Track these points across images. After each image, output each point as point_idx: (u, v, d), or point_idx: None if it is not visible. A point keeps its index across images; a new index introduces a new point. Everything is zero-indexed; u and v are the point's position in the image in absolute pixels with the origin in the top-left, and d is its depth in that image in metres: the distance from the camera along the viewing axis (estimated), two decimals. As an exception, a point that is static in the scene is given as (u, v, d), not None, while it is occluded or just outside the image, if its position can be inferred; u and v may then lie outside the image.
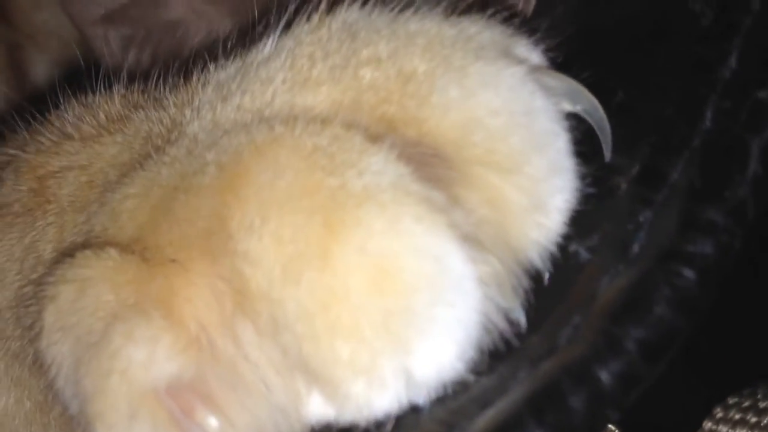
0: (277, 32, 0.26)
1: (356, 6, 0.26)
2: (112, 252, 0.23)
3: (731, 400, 0.35)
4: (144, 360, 0.21)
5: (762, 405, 0.33)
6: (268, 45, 0.26)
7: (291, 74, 0.24)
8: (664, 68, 0.26)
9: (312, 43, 0.25)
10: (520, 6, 0.34)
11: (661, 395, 0.32)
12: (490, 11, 0.25)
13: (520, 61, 0.24)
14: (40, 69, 0.57)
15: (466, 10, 0.26)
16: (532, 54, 0.25)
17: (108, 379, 0.21)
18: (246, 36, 0.30)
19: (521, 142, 0.22)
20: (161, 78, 0.30)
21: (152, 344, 0.21)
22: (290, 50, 0.25)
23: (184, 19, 0.40)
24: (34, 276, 0.27)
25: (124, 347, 0.21)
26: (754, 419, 0.33)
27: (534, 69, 0.24)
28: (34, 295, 0.25)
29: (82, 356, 0.22)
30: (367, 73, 0.24)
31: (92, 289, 0.23)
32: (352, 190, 0.21)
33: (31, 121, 0.32)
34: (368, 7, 0.25)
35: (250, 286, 0.21)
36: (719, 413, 0.34)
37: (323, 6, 0.26)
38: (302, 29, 0.25)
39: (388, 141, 0.22)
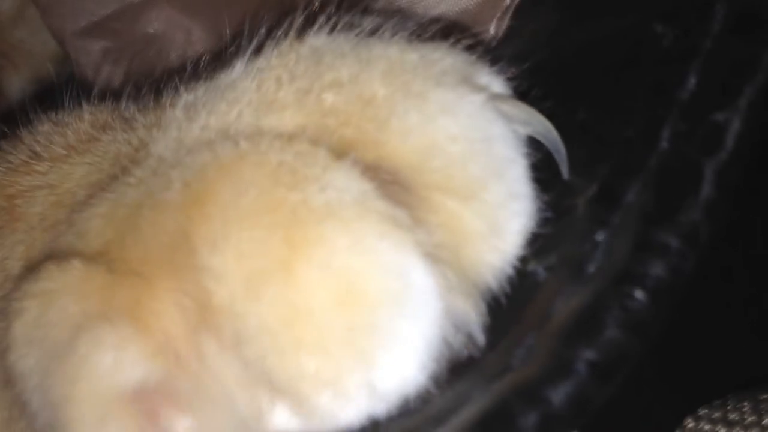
0: (247, 55, 0.26)
1: (324, 31, 0.26)
2: (76, 263, 0.24)
3: (702, 411, 0.35)
4: (111, 365, 0.22)
5: (731, 416, 0.34)
6: (237, 67, 0.26)
7: (257, 96, 0.25)
8: (628, 90, 0.26)
9: (279, 67, 0.25)
10: (492, 30, 0.34)
11: (632, 406, 0.32)
12: (454, 38, 0.26)
13: (481, 89, 0.24)
14: (15, 87, 0.57)
15: (431, 37, 0.26)
16: (494, 81, 0.25)
17: (76, 385, 0.22)
18: (219, 55, 0.31)
19: (479, 169, 0.23)
20: (131, 97, 0.31)
21: (119, 350, 0.22)
22: (258, 72, 0.25)
23: (163, 32, 0.40)
24: (1, 293, 0.27)
25: (92, 354, 0.22)
26: (723, 430, 0.34)
27: (493, 96, 0.24)
28: (1, 311, 0.25)
29: (50, 366, 0.23)
30: (329, 97, 0.24)
31: (57, 301, 0.23)
32: (314, 206, 0.22)
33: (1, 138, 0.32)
34: (336, 32, 0.26)
35: (213, 300, 0.22)
36: (690, 423, 0.35)
37: (293, 31, 0.26)
38: (272, 53, 0.26)
39: (350, 158, 0.23)
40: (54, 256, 0.25)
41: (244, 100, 0.25)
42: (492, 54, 0.27)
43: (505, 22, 0.34)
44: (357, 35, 0.26)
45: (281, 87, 0.25)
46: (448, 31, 0.27)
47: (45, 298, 0.23)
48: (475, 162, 0.23)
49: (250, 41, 0.30)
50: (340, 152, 0.23)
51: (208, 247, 0.22)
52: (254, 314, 0.21)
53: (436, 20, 0.31)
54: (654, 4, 0.28)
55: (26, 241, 0.27)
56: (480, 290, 0.23)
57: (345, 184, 0.22)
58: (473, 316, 0.23)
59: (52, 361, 0.22)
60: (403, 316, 0.21)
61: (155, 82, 0.31)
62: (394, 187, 0.23)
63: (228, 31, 0.38)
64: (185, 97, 0.27)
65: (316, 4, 0.35)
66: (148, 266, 0.23)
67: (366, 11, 0.33)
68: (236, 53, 0.30)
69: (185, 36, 0.40)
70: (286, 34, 0.27)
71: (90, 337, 0.22)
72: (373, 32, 0.26)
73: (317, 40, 0.26)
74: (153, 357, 0.22)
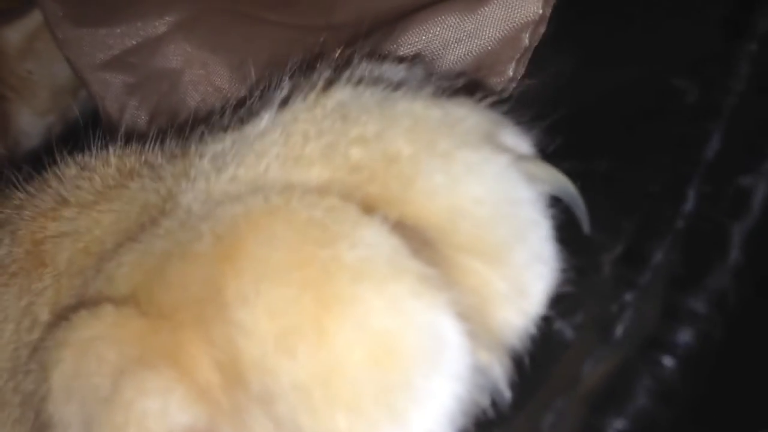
0: (275, 106, 0.27)
1: (350, 85, 0.26)
2: (109, 308, 0.24)
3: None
4: (159, 411, 0.22)
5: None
6: (264, 119, 0.26)
7: (285, 150, 0.25)
8: (650, 143, 0.26)
9: (306, 121, 0.25)
10: (510, 72, 0.34)
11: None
12: (478, 95, 0.26)
13: (505, 149, 0.25)
14: (25, 120, 0.57)
15: (456, 93, 0.26)
16: (518, 141, 0.26)
17: (125, 431, 0.22)
18: (243, 100, 0.31)
19: (505, 232, 0.23)
20: (156, 141, 0.31)
21: (165, 395, 0.22)
22: (285, 126, 0.26)
23: (182, 67, 0.40)
24: (31, 338, 0.27)
25: (137, 399, 0.22)
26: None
27: (518, 157, 0.24)
28: (32, 359, 0.26)
29: (94, 413, 0.23)
30: (355, 153, 0.24)
31: (94, 348, 0.23)
32: (345, 263, 0.22)
33: (27, 179, 0.33)
34: (361, 86, 0.26)
35: (244, 355, 0.22)
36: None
37: (320, 84, 0.26)
38: (298, 106, 0.26)
39: (379, 215, 0.23)
40: (85, 303, 0.25)
41: (271, 154, 0.25)
42: (512, 108, 0.27)
43: (523, 64, 0.35)
44: (383, 89, 0.26)
45: (308, 142, 0.25)
46: (472, 87, 0.27)
47: (81, 346, 0.23)
48: (501, 225, 0.23)
49: (274, 86, 0.30)
50: (366, 209, 0.23)
51: (239, 302, 0.22)
52: (286, 371, 0.21)
53: (460, 74, 0.31)
54: (674, 56, 0.28)
55: (53, 286, 0.28)
56: (505, 349, 0.23)
57: (376, 240, 0.22)
58: (500, 374, 0.23)
59: (96, 408, 0.23)
60: (436, 374, 0.21)
61: (180, 126, 0.31)
62: (420, 246, 0.23)
63: (247, 68, 0.39)
64: (212, 147, 0.27)
65: (339, 50, 0.35)
66: (179, 315, 0.23)
67: (387, 56, 0.33)
68: (261, 99, 0.30)
69: (204, 71, 0.40)
70: (312, 85, 0.27)
71: (134, 383, 0.22)
72: (398, 86, 0.27)
73: (343, 93, 0.26)
74: (197, 402, 0.22)
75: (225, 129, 0.28)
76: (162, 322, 0.23)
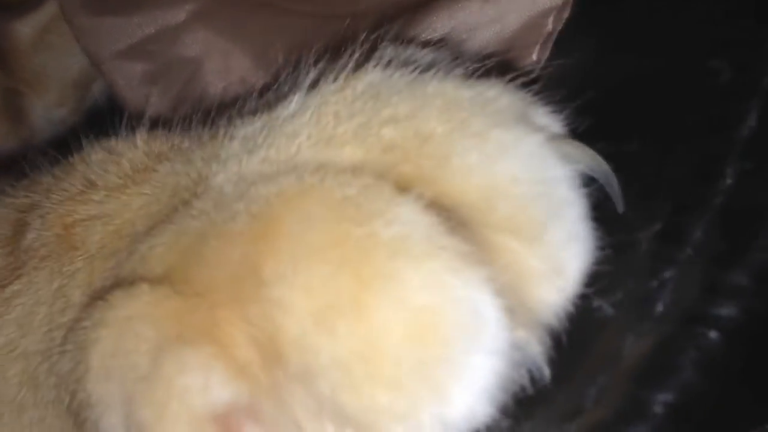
0: (303, 88, 0.27)
1: (380, 67, 0.26)
2: (144, 287, 0.24)
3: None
4: (200, 387, 0.22)
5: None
6: (293, 101, 0.26)
7: (316, 131, 0.25)
8: (682, 124, 0.26)
9: (337, 102, 0.25)
10: (535, 56, 0.34)
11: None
12: (509, 75, 0.26)
13: (538, 128, 0.25)
14: (38, 113, 0.57)
15: (486, 73, 0.26)
16: (550, 120, 0.26)
17: (167, 407, 0.22)
18: (269, 85, 0.31)
19: (540, 211, 0.23)
20: (184, 125, 0.31)
21: (206, 371, 0.22)
22: (316, 108, 0.26)
23: (201, 55, 0.40)
24: (64, 320, 0.27)
25: (178, 376, 0.22)
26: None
27: (551, 137, 0.24)
28: (67, 340, 0.26)
29: (134, 390, 0.23)
30: (387, 133, 0.24)
31: (131, 327, 0.23)
32: (381, 240, 0.22)
33: (52, 164, 0.33)
34: (391, 68, 0.26)
35: (282, 333, 0.22)
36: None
37: (350, 66, 0.26)
38: (328, 88, 0.26)
39: (413, 194, 0.23)
40: (119, 283, 0.25)
41: (303, 135, 0.25)
42: (543, 89, 0.27)
43: (548, 48, 0.35)
44: (412, 71, 0.26)
45: (340, 122, 0.25)
46: (503, 67, 0.27)
47: (119, 325, 0.23)
48: (536, 204, 0.23)
49: (300, 70, 0.30)
50: (400, 188, 0.23)
51: (277, 280, 0.22)
52: (325, 348, 0.21)
53: (487, 56, 0.31)
54: (706, 38, 0.28)
55: (85, 269, 0.27)
56: (543, 326, 0.24)
57: (411, 218, 0.22)
58: (538, 351, 0.23)
59: (136, 386, 0.23)
60: (475, 350, 0.21)
61: (205, 111, 0.31)
62: (455, 224, 0.23)
63: (269, 56, 0.39)
64: (242, 129, 0.27)
65: (363, 35, 0.35)
66: (215, 294, 0.23)
67: (412, 40, 0.33)
68: (288, 84, 0.30)
69: (224, 59, 0.40)
70: (341, 68, 0.27)
71: (174, 360, 0.22)
72: (427, 68, 0.27)
73: (374, 75, 0.26)
74: (237, 379, 0.22)
75: (253, 113, 0.28)
76: (198, 300, 0.23)
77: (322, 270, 0.22)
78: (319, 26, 0.39)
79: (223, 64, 0.40)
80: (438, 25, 0.35)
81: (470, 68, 0.27)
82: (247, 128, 0.27)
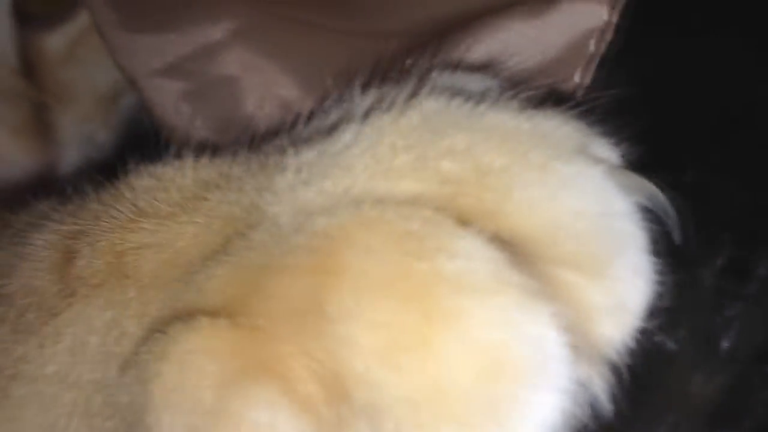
0: (357, 118, 0.26)
1: (434, 96, 0.26)
2: (204, 320, 0.24)
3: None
4: (268, 423, 0.22)
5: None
6: (348, 131, 0.26)
7: (372, 162, 0.25)
8: (739, 153, 0.26)
9: (393, 133, 0.25)
10: (577, 78, 0.34)
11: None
12: (566, 105, 0.26)
13: (599, 160, 0.24)
14: (66, 127, 0.57)
15: (542, 103, 0.26)
16: (608, 151, 0.25)
17: None
18: (315, 107, 0.31)
19: (603, 245, 0.23)
20: (230, 151, 0.31)
21: (272, 407, 0.22)
22: (372, 139, 0.26)
23: (240, 74, 0.40)
24: (118, 350, 0.27)
25: (246, 412, 0.22)
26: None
27: (612, 169, 0.24)
28: (125, 371, 0.26)
29: (198, 425, 0.23)
30: (445, 165, 0.24)
31: (193, 361, 0.23)
32: (445, 276, 0.22)
33: (96, 187, 0.33)
34: (446, 98, 0.26)
35: (347, 369, 0.22)
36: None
37: (403, 94, 0.26)
38: (383, 118, 0.26)
39: (475, 227, 0.23)
40: (177, 315, 0.25)
41: (359, 166, 0.25)
42: (598, 119, 0.27)
43: (591, 71, 0.34)
44: (466, 100, 0.26)
45: (396, 154, 0.25)
46: (559, 97, 0.27)
47: (180, 359, 0.24)
48: (600, 238, 0.23)
49: (348, 96, 0.30)
50: (460, 221, 0.23)
51: (340, 316, 0.22)
52: (391, 385, 0.22)
53: (535, 81, 0.31)
54: (760, 62, 0.28)
55: (139, 298, 0.27)
56: (605, 362, 0.23)
57: (475, 253, 0.22)
58: (600, 388, 0.23)
59: (201, 421, 0.23)
60: (542, 387, 0.21)
61: (252, 136, 0.31)
62: (517, 259, 0.23)
63: (308, 75, 0.39)
64: (295, 159, 0.27)
65: (407, 57, 0.35)
66: (275, 327, 0.23)
67: (458, 64, 0.33)
68: (337, 110, 0.30)
69: (263, 78, 0.40)
70: (394, 97, 0.27)
71: (241, 395, 0.22)
72: (479, 96, 0.27)
73: (428, 105, 0.26)
74: (303, 415, 0.22)
75: (304, 141, 0.28)
76: (259, 334, 0.23)
77: (387, 306, 0.22)
78: (358, 44, 0.39)
79: (262, 83, 0.40)
80: (478, 46, 0.35)
81: (522, 96, 0.27)
82: (301, 158, 0.27)
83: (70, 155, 0.58)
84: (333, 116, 0.29)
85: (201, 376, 0.23)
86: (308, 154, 0.27)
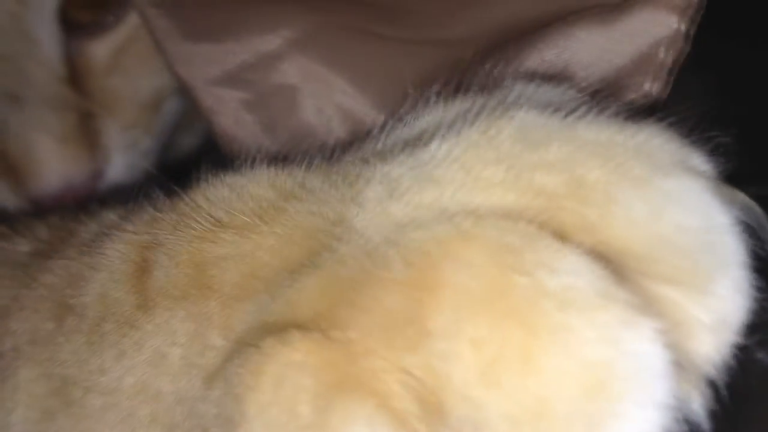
0: (443, 129, 0.26)
1: (524, 109, 0.26)
2: (296, 334, 0.24)
3: None
4: None
5: None
6: (436, 143, 0.26)
7: (463, 175, 0.25)
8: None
9: (484, 146, 0.25)
10: (647, 87, 0.34)
11: None
12: (658, 116, 0.25)
13: (698, 173, 0.24)
14: (111, 134, 0.57)
15: (634, 116, 0.26)
16: (705, 164, 0.25)
17: None
18: (390, 118, 0.31)
19: (707, 261, 0.23)
20: (303, 161, 0.31)
21: (371, 423, 0.22)
22: (462, 151, 0.25)
23: (300, 84, 0.40)
24: (202, 361, 0.27)
25: (344, 426, 0.22)
26: None
27: (711, 182, 0.24)
28: (212, 384, 0.26)
29: None
30: (540, 178, 0.24)
31: (288, 375, 0.23)
32: (548, 291, 0.22)
33: (168, 198, 0.33)
34: (535, 110, 0.26)
35: (446, 385, 0.22)
36: None
37: (489, 107, 0.26)
38: (472, 130, 0.26)
39: (573, 242, 0.23)
40: (268, 328, 0.25)
41: (449, 179, 0.25)
42: (684, 128, 0.26)
43: (661, 80, 0.34)
44: (554, 111, 0.26)
45: (488, 167, 0.25)
46: (651, 109, 0.26)
47: (274, 373, 0.23)
48: (702, 253, 0.23)
49: (423, 106, 0.30)
50: (557, 235, 0.23)
51: (439, 332, 0.22)
52: (492, 402, 0.21)
53: (602, 85, 0.31)
54: None
55: (222, 310, 0.27)
56: (705, 379, 0.23)
57: (577, 268, 0.22)
58: (700, 405, 0.23)
59: None
60: (646, 404, 0.21)
61: (325, 146, 0.31)
62: (618, 274, 0.23)
63: (371, 82, 0.39)
64: (380, 171, 0.27)
65: (478, 66, 0.35)
66: (369, 342, 0.23)
67: (535, 75, 0.33)
68: (416, 121, 0.30)
69: (323, 87, 0.40)
70: (479, 108, 0.27)
71: (340, 411, 0.22)
72: (567, 108, 0.26)
73: (519, 117, 0.26)
74: (399, 430, 0.22)
75: (386, 153, 0.28)
76: (352, 347, 0.23)
77: (487, 321, 0.22)
78: (419, 53, 0.39)
79: (322, 92, 0.40)
80: (547, 54, 0.35)
81: (607, 107, 0.27)
82: (387, 170, 0.27)
83: (115, 162, 0.59)
84: (414, 127, 0.29)
85: (297, 391, 0.23)
86: (394, 167, 0.27)
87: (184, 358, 0.27)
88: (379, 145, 0.30)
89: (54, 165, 0.55)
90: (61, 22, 0.55)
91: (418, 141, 0.27)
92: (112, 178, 0.58)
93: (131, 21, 0.56)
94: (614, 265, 0.23)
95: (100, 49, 0.58)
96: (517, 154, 0.25)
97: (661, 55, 0.34)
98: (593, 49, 0.35)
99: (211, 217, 0.29)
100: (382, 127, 0.31)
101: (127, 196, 0.36)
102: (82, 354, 0.30)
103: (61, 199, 0.55)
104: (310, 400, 0.23)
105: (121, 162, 0.58)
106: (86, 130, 0.56)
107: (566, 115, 0.26)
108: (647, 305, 0.22)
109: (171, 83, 0.59)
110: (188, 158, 0.64)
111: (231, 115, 0.41)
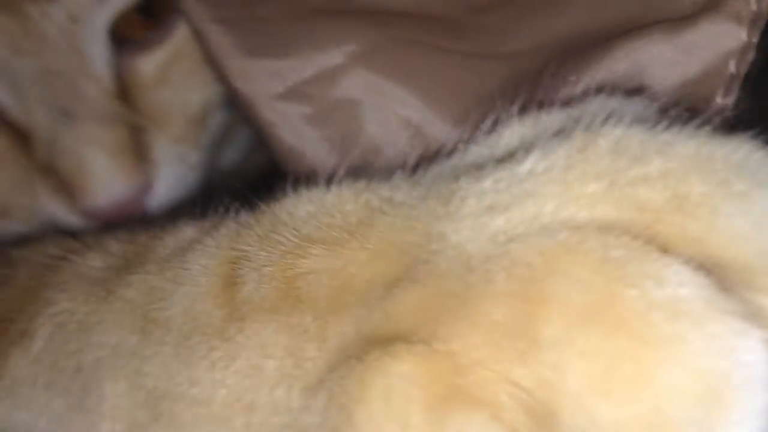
0: (539, 143, 0.27)
1: (619, 124, 0.26)
2: (402, 346, 0.25)
3: None
4: None
5: None
6: (529, 159, 0.27)
7: (562, 190, 0.25)
8: None
9: (582, 161, 0.26)
10: (719, 99, 0.34)
11: None
12: (755, 130, 0.26)
13: None
14: (160, 148, 0.58)
15: (729, 129, 0.26)
16: None
17: None
18: (471, 133, 0.31)
19: None
20: (382, 176, 0.31)
21: None
22: (559, 167, 0.26)
23: (363, 98, 0.40)
24: (299, 373, 0.28)
25: None
26: None
27: None
28: (314, 395, 0.26)
29: None
30: (641, 192, 0.25)
31: (398, 387, 0.24)
32: (656, 302, 0.22)
33: (249, 213, 0.33)
34: (630, 125, 0.26)
35: (558, 397, 0.22)
36: None
37: (583, 123, 0.27)
38: (568, 146, 0.26)
39: (676, 254, 0.23)
40: (370, 341, 0.25)
41: (547, 193, 0.26)
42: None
43: (732, 93, 0.35)
44: (648, 126, 0.26)
45: (588, 181, 0.25)
46: (749, 121, 0.27)
47: (384, 385, 0.24)
48: None
49: (506, 121, 0.30)
50: (660, 248, 0.24)
51: (549, 344, 0.23)
52: (606, 413, 0.22)
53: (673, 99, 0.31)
54: None
55: (317, 323, 0.28)
56: None
57: (683, 279, 0.22)
58: None
59: None
60: (758, 413, 0.22)
61: (404, 160, 0.32)
62: (723, 286, 0.23)
63: (438, 96, 0.39)
64: (473, 187, 0.27)
65: (556, 79, 0.35)
66: (474, 354, 0.24)
67: (610, 88, 0.33)
68: (501, 135, 0.30)
69: (387, 100, 0.40)
70: (574, 122, 0.27)
71: (452, 421, 0.23)
72: (657, 123, 0.27)
73: (616, 132, 0.26)
74: None
75: (474, 168, 0.28)
76: (457, 360, 0.24)
77: (598, 332, 0.22)
78: (483, 65, 0.39)
79: (386, 105, 0.40)
80: (617, 67, 0.35)
81: (693, 120, 0.27)
82: (480, 185, 0.27)
83: (165, 176, 0.59)
84: (499, 143, 0.30)
85: (407, 402, 0.23)
86: (490, 183, 0.27)
87: (279, 369, 0.28)
88: (463, 161, 0.30)
89: (106, 179, 0.55)
90: (111, 38, 0.56)
91: (510, 157, 0.27)
92: (161, 192, 0.58)
93: (179, 36, 0.57)
94: (717, 276, 0.23)
95: (148, 64, 0.58)
96: (618, 169, 0.25)
97: (732, 67, 0.34)
98: (662, 62, 0.35)
99: (299, 232, 0.30)
100: (461, 142, 0.31)
101: (183, 210, 0.36)
102: (171, 366, 0.30)
103: (112, 214, 0.55)
104: (422, 411, 0.23)
105: (170, 176, 0.59)
106: (136, 144, 0.57)
107: (659, 130, 0.26)
108: (754, 315, 0.22)
109: (217, 97, 0.59)
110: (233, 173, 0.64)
111: (293, 130, 0.41)
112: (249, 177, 0.66)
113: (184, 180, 0.59)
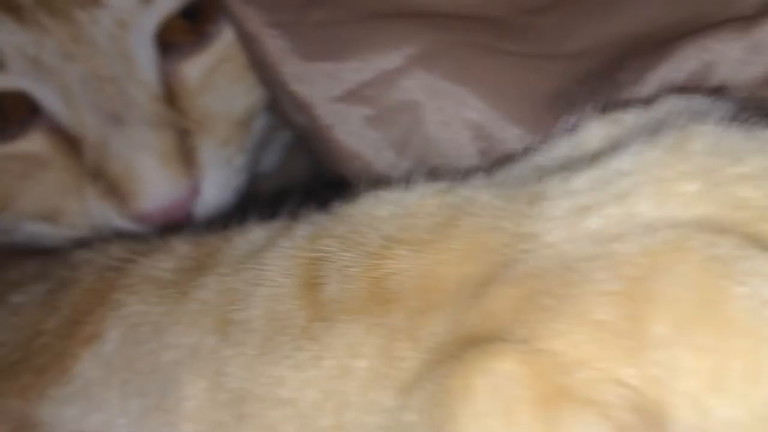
0: (624, 147, 0.27)
1: (706, 123, 0.27)
2: (501, 345, 0.25)
3: None
4: None
5: None
6: (619, 159, 0.27)
7: (657, 189, 0.26)
8: None
9: (676, 161, 0.26)
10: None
11: None
12: None
13: None
14: (207, 152, 0.58)
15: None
16: None
17: None
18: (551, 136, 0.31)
19: None
20: (459, 176, 0.31)
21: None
22: (652, 166, 0.26)
23: (424, 100, 0.41)
24: (393, 372, 0.28)
25: None
26: None
27: None
28: (410, 393, 0.26)
29: None
30: (741, 191, 0.25)
31: (502, 385, 0.24)
32: (767, 300, 0.22)
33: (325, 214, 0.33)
34: (716, 124, 0.26)
35: (672, 396, 0.23)
36: None
37: (668, 121, 0.27)
38: (656, 145, 0.26)
39: None
40: (465, 341, 0.26)
41: (644, 193, 0.26)
42: None
43: (801, 91, 0.35)
44: (743, 126, 0.26)
45: (683, 180, 0.26)
46: None
47: (488, 384, 0.24)
48: None
49: (585, 120, 0.30)
50: (764, 246, 0.24)
51: (661, 343, 0.23)
52: (721, 411, 0.22)
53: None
54: None
55: (407, 323, 0.28)
56: None
57: None
58: None
59: None
60: None
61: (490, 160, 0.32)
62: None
63: (502, 96, 0.39)
64: (563, 186, 0.28)
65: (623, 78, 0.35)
66: (578, 353, 0.24)
67: (696, 89, 0.33)
68: (582, 135, 0.30)
69: (448, 102, 0.40)
70: (657, 124, 0.27)
71: (564, 419, 0.23)
72: (742, 122, 0.27)
73: (710, 132, 0.26)
74: None
75: (559, 170, 0.29)
76: (560, 359, 0.24)
77: (710, 330, 0.22)
78: (545, 67, 0.39)
79: (447, 106, 0.40)
80: (685, 66, 0.36)
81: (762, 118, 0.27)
82: (571, 188, 0.27)
83: (211, 179, 0.60)
84: (579, 144, 0.30)
85: (513, 400, 0.24)
86: (579, 183, 0.27)
87: (371, 370, 0.28)
88: (543, 161, 0.31)
89: (155, 183, 0.56)
90: (158, 43, 0.56)
91: (597, 157, 0.28)
92: (208, 194, 0.59)
93: (224, 40, 0.57)
94: None
95: (194, 69, 0.59)
96: (712, 167, 0.25)
97: (799, 66, 0.35)
98: (729, 61, 0.35)
99: (382, 232, 0.30)
100: (538, 143, 0.31)
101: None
102: (254, 367, 0.30)
103: (161, 217, 0.55)
104: (529, 409, 0.23)
105: (216, 179, 0.59)
106: (184, 148, 0.57)
107: (750, 128, 0.26)
108: None
109: (260, 101, 0.59)
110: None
111: (353, 132, 0.42)
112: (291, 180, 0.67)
113: (230, 183, 0.60)
